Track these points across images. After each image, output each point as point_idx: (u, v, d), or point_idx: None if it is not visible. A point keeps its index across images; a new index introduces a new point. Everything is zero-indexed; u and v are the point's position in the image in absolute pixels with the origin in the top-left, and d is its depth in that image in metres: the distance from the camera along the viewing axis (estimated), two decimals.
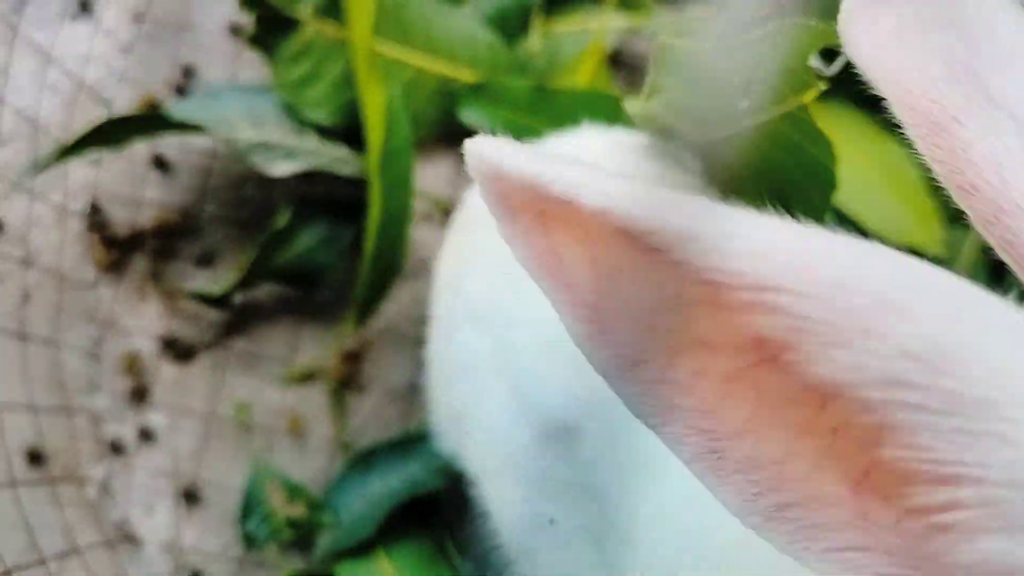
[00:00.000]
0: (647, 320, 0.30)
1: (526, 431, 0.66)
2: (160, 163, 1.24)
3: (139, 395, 1.19)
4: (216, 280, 1.21)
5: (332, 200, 1.20)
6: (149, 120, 1.12)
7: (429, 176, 1.25)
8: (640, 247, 0.30)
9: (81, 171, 1.24)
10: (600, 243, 0.31)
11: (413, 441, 1.13)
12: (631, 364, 0.31)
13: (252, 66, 1.25)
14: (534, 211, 0.32)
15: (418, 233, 1.22)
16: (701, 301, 0.30)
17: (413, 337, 1.21)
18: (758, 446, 0.30)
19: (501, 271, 0.73)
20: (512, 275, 0.71)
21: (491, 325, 0.74)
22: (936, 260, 0.41)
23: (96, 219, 1.23)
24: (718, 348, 0.30)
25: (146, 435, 1.18)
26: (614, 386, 0.32)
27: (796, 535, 0.31)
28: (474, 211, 0.92)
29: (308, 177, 1.23)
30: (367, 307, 1.16)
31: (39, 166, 1.11)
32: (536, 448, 0.64)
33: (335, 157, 1.16)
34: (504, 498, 0.70)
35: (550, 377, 0.63)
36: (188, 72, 1.26)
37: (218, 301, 1.18)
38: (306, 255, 1.16)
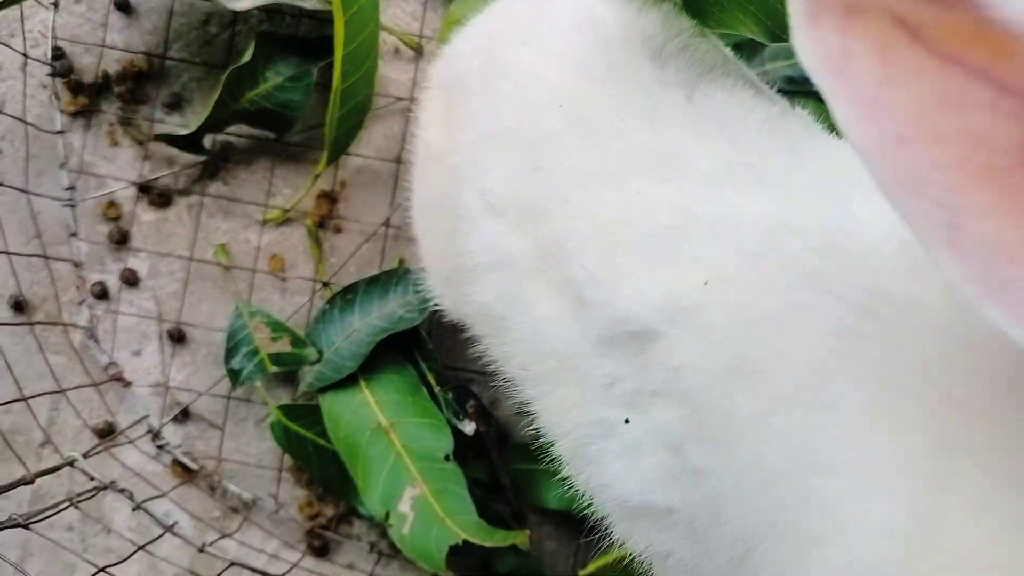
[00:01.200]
0: (922, 108, 0.31)
1: (587, 336, 0.61)
2: (121, 5, 1.21)
3: (119, 241, 1.20)
4: (187, 124, 1.20)
5: (297, 37, 1.17)
6: None
7: (396, 12, 1.22)
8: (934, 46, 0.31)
9: (39, 16, 1.21)
10: (895, 37, 0.32)
11: (391, 278, 1.15)
12: (896, 140, 0.31)
13: None
14: (842, 6, 0.32)
15: (388, 70, 1.21)
16: (984, 102, 0.31)
17: (387, 176, 1.21)
18: (1000, 229, 0.32)
19: (527, 164, 0.67)
20: (543, 168, 0.66)
21: (525, 224, 0.67)
22: None
23: (61, 65, 1.21)
24: (990, 144, 0.31)
25: (129, 280, 1.20)
26: (870, 161, 0.32)
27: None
28: (460, 72, 0.83)
29: (272, 15, 1.20)
30: (338, 145, 1.16)
31: None
32: (599, 353, 0.60)
33: None
34: (556, 403, 0.65)
35: (617, 280, 0.59)
36: None
37: (190, 144, 1.17)
38: (273, 93, 1.15)
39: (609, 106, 0.63)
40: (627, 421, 0.57)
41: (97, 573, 0.80)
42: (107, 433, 1.16)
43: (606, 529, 0.66)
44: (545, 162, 0.65)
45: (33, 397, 1.01)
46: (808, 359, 0.47)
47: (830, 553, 0.43)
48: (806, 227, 0.51)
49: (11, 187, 1.16)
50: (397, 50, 1.21)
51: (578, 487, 0.65)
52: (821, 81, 0.32)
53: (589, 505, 0.66)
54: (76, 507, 0.88)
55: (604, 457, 0.60)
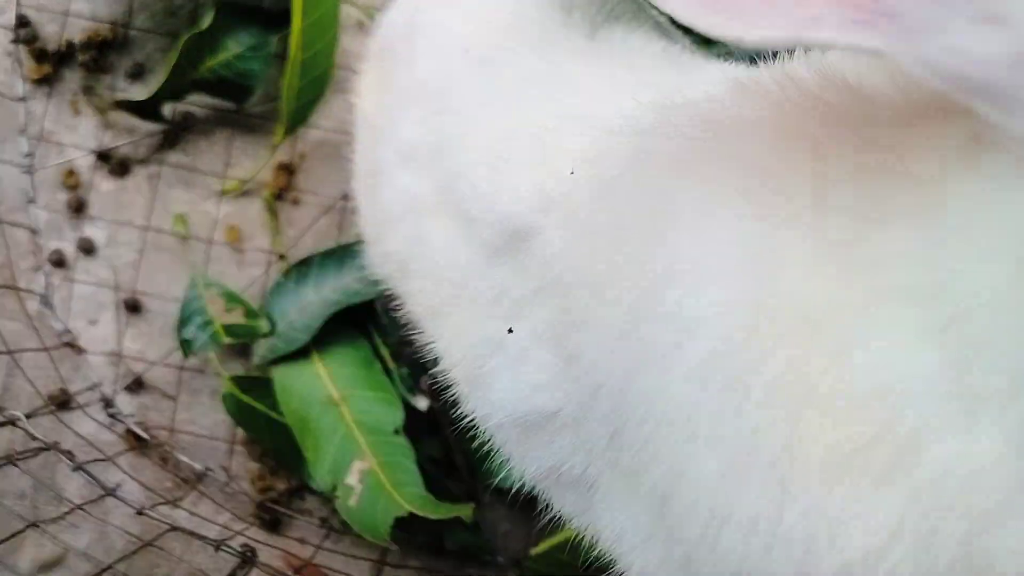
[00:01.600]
0: None
1: (476, 254, 0.63)
2: None
3: (77, 209, 1.19)
4: (146, 93, 1.20)
5: (258, 8, 1.17)
6: None
7: None
8: None
9: None
10: None
11: (347, 252, 1.14)
12: None
13: None
14: None
15: (350, 43, 1.20)
16: None
17: (347, 150, 1.20)
18: None
19: (434, 109, 0.69)
20: (447, 110, 0.68)
21: (430, 166, 0.69)
22: None
23: (25, 33, 1.20)
24: None
25: (86, 249, 1.19)
26: None
27: None
28: (390, 39, 0.86)
29: None
30: (297, 117, 1.15)
31: None
32: (487, 266, 0.62)
33: None
34: (451, 332, 0.67)
35: (499, 189, 0.61)
36: None
37: (149, 111, 1.17)
38: (232, 62, 1.15)
39: (510, 46, 0.64)
40: (511, 331, 0.58)
41: (30, 526, 0.79)
42: (60, 401, 1.16)
43: (547, 505, 0.65)
44: (449, 104, 0.66)
45: None
46: (652, 198, 0.49)
47: (688, 356, 0.43)
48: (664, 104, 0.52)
49: None
50: (361, 24, 1.21)
51: (476, 420, 0.66)
52: None
53: (491, 455, 0.66)
54: (14, 464, 0.87)
55: (493, 375, 0.60)
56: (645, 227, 0.48)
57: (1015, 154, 0.35)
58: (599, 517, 0.56)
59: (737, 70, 0.57)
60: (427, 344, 0.72)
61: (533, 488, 0.68)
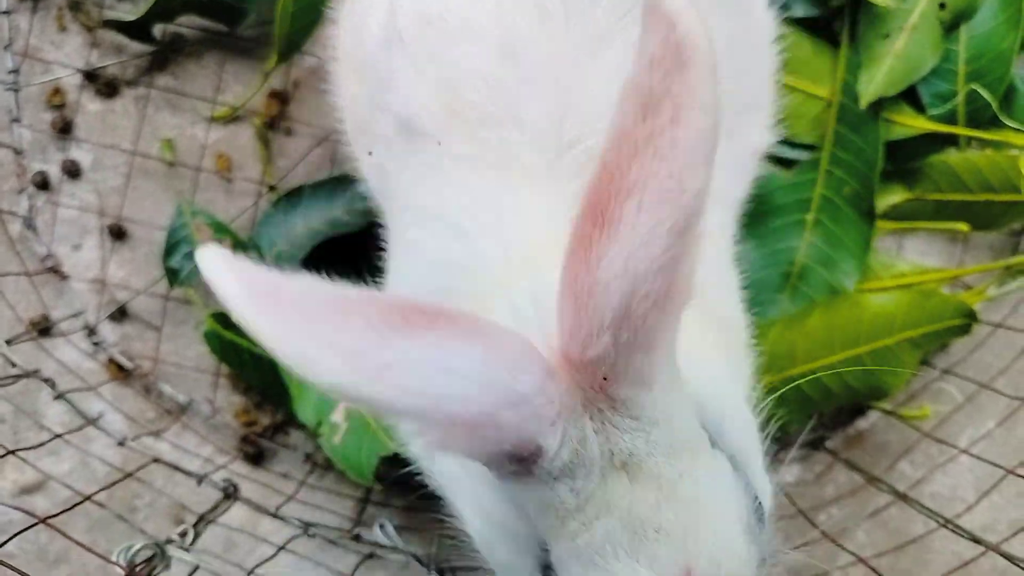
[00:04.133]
0: None
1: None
2: None
3: (62, 130, 1.16)
4: (138, 11, 1.15)
5: None
6: None
7: None
8: None
9: None
10: None
11: (338, 183, 1.11)
12: None
13: None
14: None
15: None
16: None
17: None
18: None
19: None
20: None
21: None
22: None
23: None
24: None
25: (71, 172, 1.16)
26: None
27: None
28: None
29: None
30: (290, 43, 1.11)
31: None
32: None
33: None
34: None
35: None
36: None
37: (138, 31, 1.13)
38: None
39: None
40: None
41: (9, 453, 0.78)
42: (42, 327, 1.14)
43: None
44: None
45: None
46: None
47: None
48: None
49: None
50: None
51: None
52: None
53: None
54: None
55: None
56: None
57: None
58: None
59: None
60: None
61: None
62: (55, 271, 1.15)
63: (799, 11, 1.10)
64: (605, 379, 0.50)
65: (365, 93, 0.82)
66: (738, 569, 0.54)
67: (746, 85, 0.87)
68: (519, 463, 0.51)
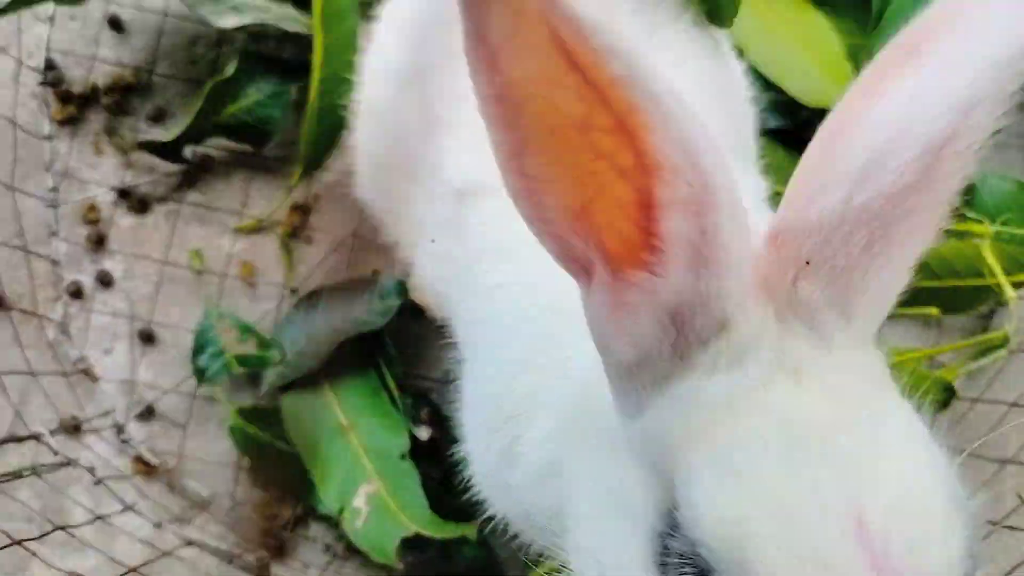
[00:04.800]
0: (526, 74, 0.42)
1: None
2: (114, 23, 1.28)
3: (96, 243, 1.24)
4: (169, 135, 1.26)
5: (279, 58, 1.25)
6: None
7: None
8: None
9: (36, 30, 1.28)
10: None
11: (357, 285, 1.20)
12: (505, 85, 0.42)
13: None
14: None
15: None
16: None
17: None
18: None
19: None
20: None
21: None
22: None
23: (52, 76, 1.27)
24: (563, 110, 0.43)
25: (103, 281, 1.24)
26: (478, 83, 0.43)
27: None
28: None
29: (257, 38, 1.28)
30: (313, 161, 1.22)
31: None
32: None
33: (282, 14, 1.21)
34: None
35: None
36: None
37: (170, 152, 1.23)
38: (253, 108, 1.21)
39: None
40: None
41: (54, 530, 0.83)
42: (72, 426, 1.19)
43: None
44: None
45: (5, 374, 1.05)
46: None
47: None
48: None
49: None
50: None
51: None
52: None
53: None
54: (38, 476, 0.91)
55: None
56: None
57: None
58: None
59: None
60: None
61: None
62: (86, 373, 1.21)
63: (771, 123, 1.22)
64: (807, 263, 0.46)
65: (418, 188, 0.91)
66: (934, 538, 0.42)
67: (743, 132, 0.95)
68: (684, 344, 0.47)
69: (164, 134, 1.26)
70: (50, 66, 1.27)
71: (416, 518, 1.08)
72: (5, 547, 0.88)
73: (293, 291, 1.24)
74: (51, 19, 1.27)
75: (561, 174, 0.45)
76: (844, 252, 0.47)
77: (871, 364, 0.49)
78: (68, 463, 1.01)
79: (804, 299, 0.47)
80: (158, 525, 1.03)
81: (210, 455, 1.21)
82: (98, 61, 1.28)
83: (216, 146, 1.26)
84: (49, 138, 1.25)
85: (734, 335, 0.47)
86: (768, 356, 0.47)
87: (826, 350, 0.47)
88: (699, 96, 0.59)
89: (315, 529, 1.21)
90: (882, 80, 0.47)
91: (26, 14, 1.25)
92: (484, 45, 0.41)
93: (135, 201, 1.26)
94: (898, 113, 0.46)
